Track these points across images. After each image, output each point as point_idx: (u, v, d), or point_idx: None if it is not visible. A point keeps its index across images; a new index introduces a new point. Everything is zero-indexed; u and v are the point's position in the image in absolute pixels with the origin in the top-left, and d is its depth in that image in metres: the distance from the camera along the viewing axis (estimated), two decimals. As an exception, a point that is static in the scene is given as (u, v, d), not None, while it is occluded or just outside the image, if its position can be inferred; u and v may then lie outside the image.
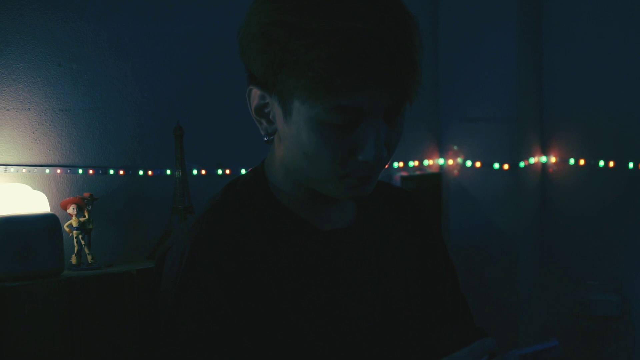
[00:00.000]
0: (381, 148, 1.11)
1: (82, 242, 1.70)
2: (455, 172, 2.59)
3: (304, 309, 1.16)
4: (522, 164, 2.50)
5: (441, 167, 2.62)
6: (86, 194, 1.73)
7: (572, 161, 2.51)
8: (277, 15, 1.09)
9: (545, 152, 2.57)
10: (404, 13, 1.11)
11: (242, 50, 1.16)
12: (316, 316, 1.17)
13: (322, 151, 1.11)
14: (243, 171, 2.02)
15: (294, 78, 1.08)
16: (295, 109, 1.11)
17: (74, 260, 1.69)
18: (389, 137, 1.14)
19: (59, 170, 1.75)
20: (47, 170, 1.73)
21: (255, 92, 1.16)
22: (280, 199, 1.22)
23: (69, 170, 1.76)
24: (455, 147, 2.59)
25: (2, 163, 1.66)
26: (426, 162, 2.59)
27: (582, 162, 2.49)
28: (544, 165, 2.58)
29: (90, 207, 1.72)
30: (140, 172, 1.87)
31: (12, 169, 1.67)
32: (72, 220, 1.69)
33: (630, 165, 2.39)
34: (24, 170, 1.69)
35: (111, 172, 1.82)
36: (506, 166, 2.49)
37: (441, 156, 2.62)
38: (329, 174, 1.13)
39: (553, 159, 2.56)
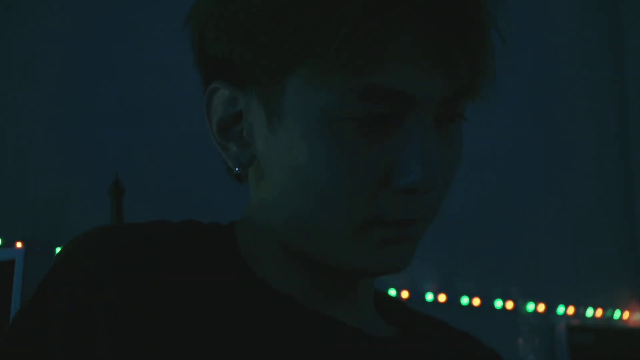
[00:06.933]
0: (434, 167, 0.69)
1: None
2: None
3: None
4: None
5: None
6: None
7: None
8: None
9: None
10: None
11: (206, 29, 0.75)
12: None
13: (335, 171, 0.69)
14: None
15: (299, 46, 0.69)
16: (290, 105, 0.71)
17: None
18: (443, 156, 0.72)
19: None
20: None
21: (222, 95, 0.76)
22: (253, 266, 0.76)
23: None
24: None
25: None
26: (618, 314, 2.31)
27: None
28: None
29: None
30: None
31: None
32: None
33: None
34: None
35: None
36: None
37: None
38: (345, 216, 0.70)
39: None
